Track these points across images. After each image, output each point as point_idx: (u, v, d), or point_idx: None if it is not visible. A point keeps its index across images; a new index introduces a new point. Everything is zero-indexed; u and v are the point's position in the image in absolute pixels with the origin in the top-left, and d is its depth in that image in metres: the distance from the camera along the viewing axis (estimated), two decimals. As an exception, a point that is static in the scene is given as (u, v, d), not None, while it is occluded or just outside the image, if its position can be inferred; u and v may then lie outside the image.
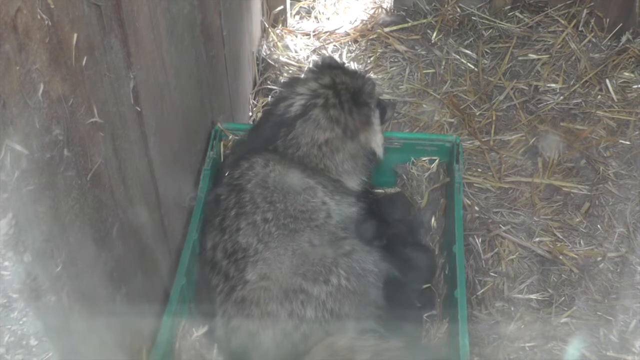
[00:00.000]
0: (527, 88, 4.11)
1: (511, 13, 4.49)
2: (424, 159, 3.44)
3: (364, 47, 4.38)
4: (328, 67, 3.20)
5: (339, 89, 3.03)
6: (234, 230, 2.80)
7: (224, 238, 2.82)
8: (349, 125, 3.01)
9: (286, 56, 4.29)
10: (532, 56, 4.25)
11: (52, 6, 1.63)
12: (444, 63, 4.23)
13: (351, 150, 3.05)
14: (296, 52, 4.34)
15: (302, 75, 3.29)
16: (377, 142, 3.13)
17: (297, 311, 2.69)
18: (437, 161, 3.43)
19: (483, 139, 3.85)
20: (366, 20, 4.55)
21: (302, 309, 2.69)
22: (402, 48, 4.32)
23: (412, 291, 3.08)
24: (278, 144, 2.99)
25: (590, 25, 4.37)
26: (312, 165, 2.99)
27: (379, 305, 2.88)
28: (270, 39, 4.35)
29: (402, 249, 3.13)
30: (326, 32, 4.48)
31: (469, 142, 3.83)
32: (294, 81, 3.19)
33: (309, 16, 4.64)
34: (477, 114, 3.99)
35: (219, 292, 2.79)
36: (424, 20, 4.47)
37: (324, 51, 4.35)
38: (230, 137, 3.29)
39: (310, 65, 3.43)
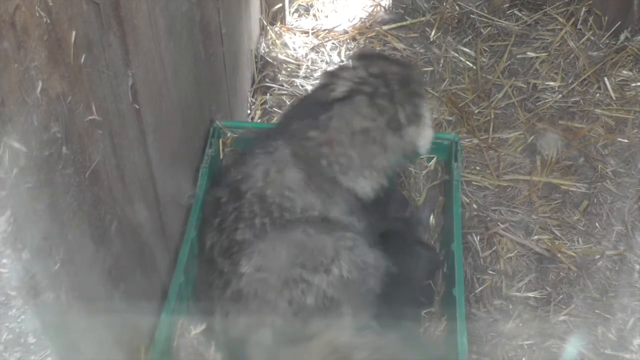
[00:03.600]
0: (525, 86, 4.11)
1: (510, 11, 4.49)
2: (422, 157, 3.43)
3: (362, 45, 4.38)
4: (373, 57, 3.11)
5: (389, 79, 2.93)
6: (232, 230, 2.79)
7: (221, 238, 2.81)
8: (398, 117, 2.89)
9: (285, 54, 4.29)
10: (531, 54, 4.25)
11: (51, 4, 1.63)
12: (442, 61, 4.23)
13: (389, 144, 2.91)
14: (295, 50, 4.34)
15: (347, 64, 3.14)
16: (426, 137, 3.01)
17: (297, 299, 2.67)
18: (435, 159, 3.43)
19: (481, 137, 3.85)
20: (365, 18, 4.55)
21: (302, 297, 2.67)
22: (400, 46, 4.32)
23: (417, 287, 3.08)
24: (303, 124, 2.90)
25: (589, 24, 4.37)
26: (331, 159, 2.88)
27: (377, 294, 2.85)
28: (269, 37, 4.35)
29: (404, 246, 3.13)
30: (325, 30, 4.47)
31: (467, 140, 3.83)
32: (340, 68, 3.08)
33: (308, 14, 4.64)
34: (476, 112, 3.99)
35: (215, 288, 2.78)
36: (423, 19, 4.47)
37: (322, 49, 4.34)
38: (229, 134, 3.29)
39: (352, 55, 3.27)
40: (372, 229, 2.99)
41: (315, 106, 2.94)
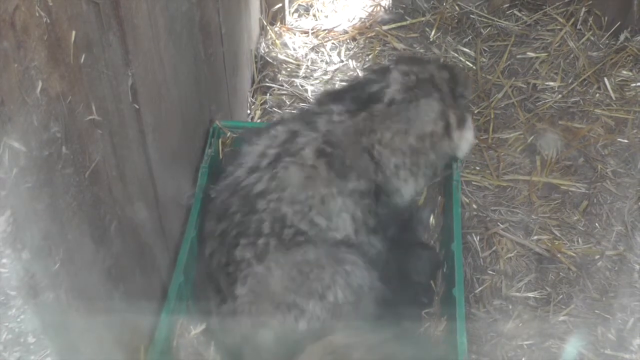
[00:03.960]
0: (525, 86, 4.11)
1: (509, 11, 4.49)
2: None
3: (362, 45, 4.38)
4: (417, 60, 3.10)
5: (438, 83, 2.95)
6: (233, 245, 2.73)
7: (221, 249, 2.77)
8: (450, 121, 2.91)
9: (284, 54, 4.29)
10: (531, 54, 4.25)
11: (51, 4, 1.63)
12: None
13: (443, 149, 2.95)
14: (294, 50, 4.34)
15: (392, 65, 3.09)
16: (468, 139, 3.03)
17: (289, 325, 2.67)
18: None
19: (481, 137, 3.85)
20: (364, 18, 4.55)
21: (294, 323, 2.67)
22: (400, 46, 4.32)
23: (419, 287, 3.08)
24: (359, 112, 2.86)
25: (589, 24, 4.37)
26: (398, 163, 2.87)
27: (373, 314, 2.84)
28: (269, 37, 4.35)
29: (405, 246, 3.13)
30: (324, 30, 4.47)
31: (467, 140, 3.83)
32: (387, 69, 3.04)
33: (308, 14, 4.64)
34: (476, 112, 3.99)
35: (212, 300, 2.79)
36: (423, 19, 4.47)
37: (322, 49, 4.34)
38: (229, 134, 3.29)
39: (395, 59, 3.24)
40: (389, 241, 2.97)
41: (366, 101, 2.90)
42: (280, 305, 2.66)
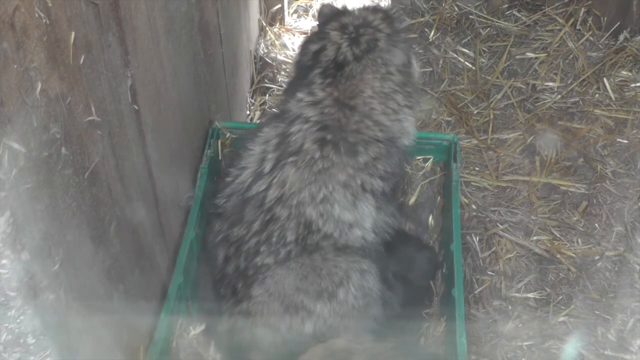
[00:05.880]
0: (524, 87, 4.11)
1: (509, 12, 4.49)
2: (418, 157, 3.43)
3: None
4: (340, 13, 3.01)
5: (376, 25, 2.88)
6: (253, 253, 2.72)
7: (239, 256, 2.75)
8: (406, 51, 2.91)
9: (284, 55, 4.29)
10: (530, 55, 4.25)
11: (50, 4, 1.63)
12: (441, 61, 4.23)
13: (415, 76, 2.98)
14: (294, 50, 4.33)
15: (322, 26, 2.99)
16: (417, 66, 3.06)
17: (296, 327, 2.68)
18: (431, 160, 3.44)
19: (480, 138, 3.85)
20: (364, 19, 4.54)
21: (301, 325, 2.68)
22: (399, 46, 4.32)
23: (420, 289, 3.09)
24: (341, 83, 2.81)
25: (588, 24, 4.37)
26: (379, 112, 2.82)
27: (379, 320, 2.84)
28: (268, 38, 4.35)
29: (404, 248, 3.13)
30: (324, 30, 4.47)
31: (466, 140, 3.83)
32: (319, 35, 2.94)
33: (307, 15, 4.64)
34: (475, 112, 3.99)
35: (226, 300, 2.80)
36: (422, 19, 4.47)
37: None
38: (228, 135, 3.29)
39: (318, 17, 3.12)
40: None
41: (334, 69, 2.83)
42: (289, 307, 2.67)
